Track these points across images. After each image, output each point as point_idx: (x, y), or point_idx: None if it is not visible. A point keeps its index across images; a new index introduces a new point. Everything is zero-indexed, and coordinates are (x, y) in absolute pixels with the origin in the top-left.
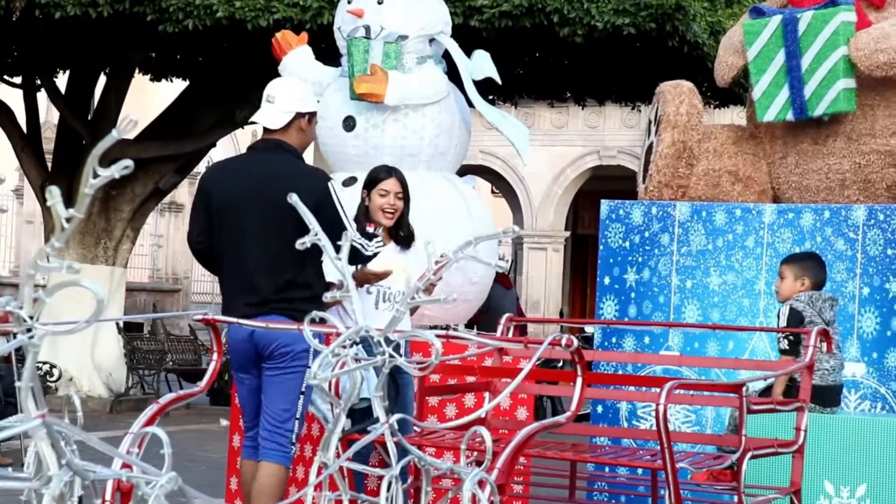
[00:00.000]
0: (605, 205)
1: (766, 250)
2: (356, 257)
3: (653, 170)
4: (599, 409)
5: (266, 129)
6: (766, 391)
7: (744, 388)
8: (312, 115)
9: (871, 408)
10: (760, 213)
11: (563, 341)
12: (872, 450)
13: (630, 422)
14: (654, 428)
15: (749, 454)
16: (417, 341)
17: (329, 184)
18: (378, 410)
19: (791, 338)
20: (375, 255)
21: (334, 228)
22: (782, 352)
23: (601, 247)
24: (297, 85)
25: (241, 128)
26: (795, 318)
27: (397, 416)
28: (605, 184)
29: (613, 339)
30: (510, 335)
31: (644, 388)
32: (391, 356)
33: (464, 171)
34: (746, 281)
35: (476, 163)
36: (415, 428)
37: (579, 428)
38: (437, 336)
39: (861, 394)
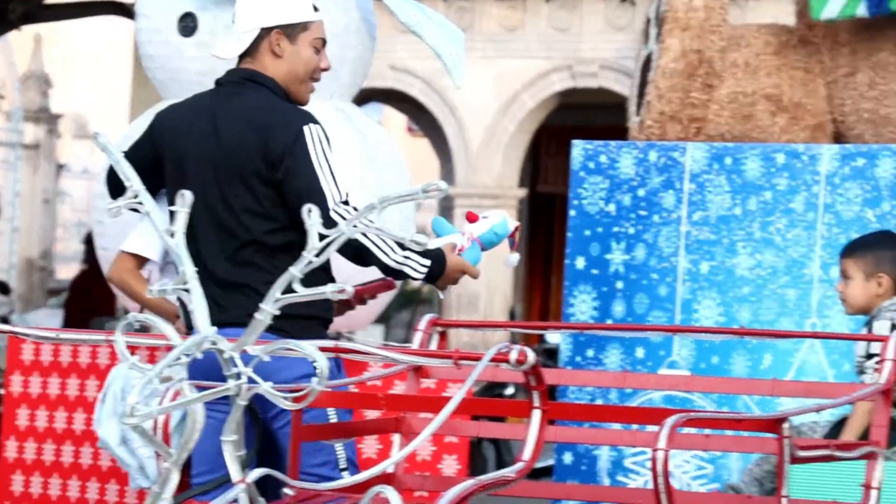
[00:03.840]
0: (578, 147)
1: (822, 215)
2: (352, 252)
3: (652, 94)
4: (568, 457)
5: (240, 58)
6: (836, 430)
7: (785, 425)
8: (293, 27)
9: None
10: (815, 159)
11: (513, 355)
12: None
13: (614, 477)
14: (650, 486)
15: None
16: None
17: (308, 128)
18: (230, 464)
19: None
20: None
21: (305, 198)
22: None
23: (572, 212)
24: None
25: (18, 29)
26: None
27: (259, 471)
28: (581, 116)
29: (590, 352)
30: (434, 347)
31: (635, 426)
32: (250, 381)
33: (365, 96)
34: (793, 262)
35: (384, 85)
36: (286, 491)
37: (537, 487)
38: (321, 350)
39: None
